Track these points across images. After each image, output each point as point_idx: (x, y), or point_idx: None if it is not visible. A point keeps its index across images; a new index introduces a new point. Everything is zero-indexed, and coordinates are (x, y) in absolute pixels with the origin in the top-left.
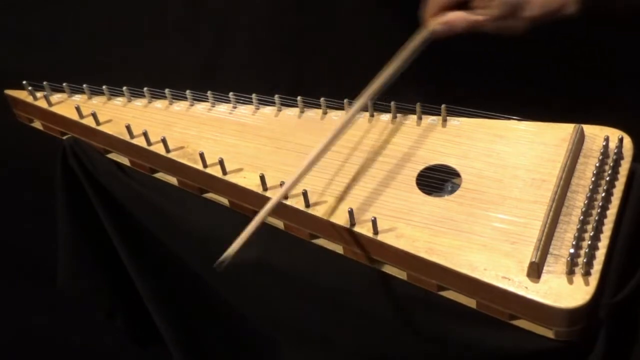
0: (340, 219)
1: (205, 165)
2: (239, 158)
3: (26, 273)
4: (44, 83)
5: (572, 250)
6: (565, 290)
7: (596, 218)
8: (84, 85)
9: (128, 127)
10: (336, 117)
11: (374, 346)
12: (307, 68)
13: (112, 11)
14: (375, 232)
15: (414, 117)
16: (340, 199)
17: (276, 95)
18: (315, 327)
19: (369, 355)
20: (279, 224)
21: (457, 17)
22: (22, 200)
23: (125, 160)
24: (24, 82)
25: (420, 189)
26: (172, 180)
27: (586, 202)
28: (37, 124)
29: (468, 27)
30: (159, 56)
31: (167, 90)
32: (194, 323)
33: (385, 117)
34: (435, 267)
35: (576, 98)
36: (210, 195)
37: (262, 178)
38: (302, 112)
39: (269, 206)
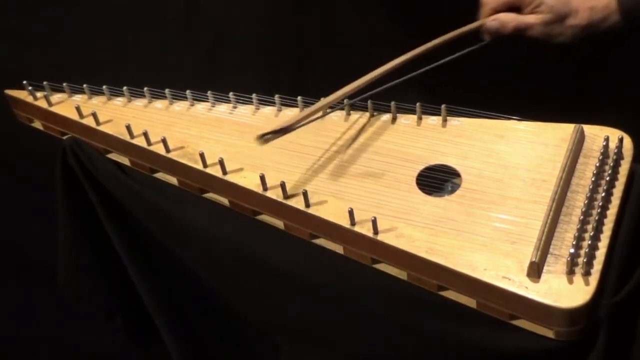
0: (340, 219)
1: (205, 165)
2: (239, 158)
3: (26, 273)
4: (44, 83)
5: (572, 250)
6: (565, 290)
7: (596, 218)
8: (84, 85)
9: (128, 127)
10: (336, 117)
11: (374, 346)
12: (307, 68)
13: (112, 11)
14: (375, 232)
15: (414, 117)
16: (340, 199)
17: (276, 95)
18: (315, 327)
19: (369, 355)
20: (279, 224)
21: (508, 17)
22: (22, 200)
23: (125, 160)
24: (24, 82)
25: (420, 189)
26: (172, 180)
27: (586, 202)
28: (37, 124)
29: (517, 28)
30: (159, 56)
31: (167, 90)
32: (193, 323)
33: (385, 117)
34: (435, 267)
35: (576, 98)
36: (210, 195)
37: (262, 178)
38: (302, 112)
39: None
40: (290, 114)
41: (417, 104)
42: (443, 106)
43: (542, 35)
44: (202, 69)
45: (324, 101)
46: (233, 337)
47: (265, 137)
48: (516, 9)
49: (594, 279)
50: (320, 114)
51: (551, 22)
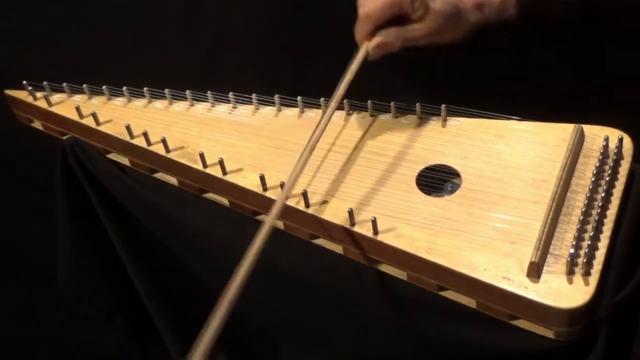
0: (340, 219)
1: (205, 165)
2: (239, 158)
3: (26, 273)
4: (44, 83)
5: (572, 250)
6: (565, 290)
7: (596, 218)
8: (84, 85)
9: (128, 127)
10: (336, 117)
11: (374, 346)
12: (307, 68)
13: (112, 11)
14: (375, 232)
15: (414, 117)
16: (340, 199)
17: (276, 95)
18: (315, 327)
19: (369, 355)
20: (279, 224)
21: (391, 36)
22: (22, 200)
23: (125, 160)
24: (24, 82)
25: (420, 189)
26: (172, 180)
27: (586, 202)
28: (37, 124)
29: (404, 45)
30: (159, 56)
31: (167, 90)
32: (193, 323)
33: (385, 117)
34: (435, 267)
35: (576, 98)
36: (210, 195)
37: (262, 178)
38: (302, 112)
39: (270, 219)
40: (290, 113)
41: (417, 104)
42: (443, 106)
43: (431, 43)
44: (202, 69)
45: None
46: (233, 337)
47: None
48: (398, 18)
49: (594, 279)
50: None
51: (440, 29)
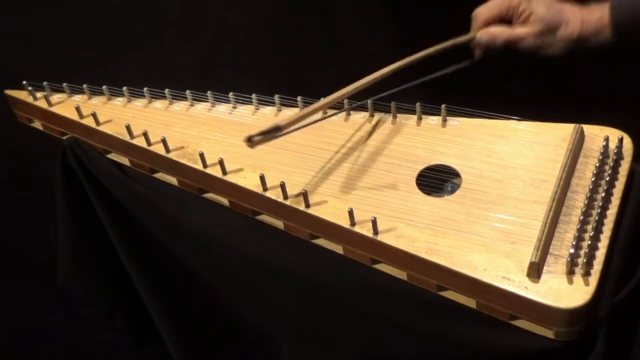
0: (340, 219)
1: (205, 165)
2: (239, 158)
3: (26, 273)
4: (44, 83)
5: (572, 251)
6: (565, 291)
7: (596, 218)
8: (84, 85)
9: (128, 127)
10: (336, 117)
11: (374, 346)
12: (307, 68)
13: (112, 11)
14: (375, 232)
15: (414, 117)
16: (340, 199)
17: (276, 95)
18: (315, 327)
19: (369, 355)
20: (279, 224)
21: (498, 30)
22: (22, 200)
23: (125, 160)
24: (24, 82)
25: (420, 189)
26: (172, 180)
27: (586, 202)
28: (37, 124)
29: (508, 41)
30: (159, 56)
31: (167, 90)
32: (193, 323)
33: (385, 117)
34: (435, 267)
35: (576, 98)
36: (210, 195)
37: (262, 178)
38: (295, 115)
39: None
40: (289, 113)
41: (417, 104)
42: (443, 106)
43: (533, 47)
44: (202, 69)
45: (319, 103)
46: (233, 337)
47: (254, 140)
48: (508, 21)
49: (594, 279)
50: (315, 117)
51: (542, 33)
